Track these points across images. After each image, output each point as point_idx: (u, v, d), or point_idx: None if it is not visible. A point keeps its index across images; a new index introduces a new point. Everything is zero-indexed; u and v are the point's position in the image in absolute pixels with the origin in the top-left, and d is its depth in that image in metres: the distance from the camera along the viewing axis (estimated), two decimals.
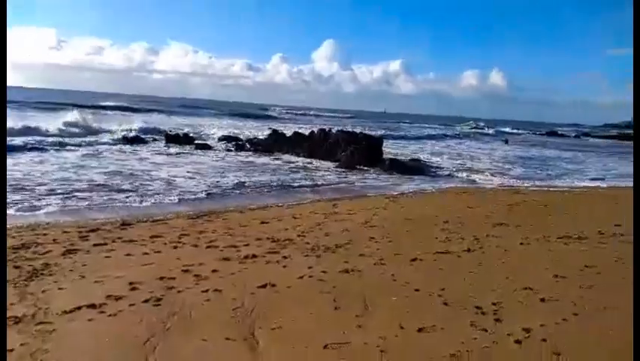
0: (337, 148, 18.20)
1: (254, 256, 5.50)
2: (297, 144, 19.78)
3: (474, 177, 16.54)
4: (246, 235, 6.81)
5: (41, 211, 8.18)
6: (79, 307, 3.74)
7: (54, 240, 6.35)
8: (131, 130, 22.30)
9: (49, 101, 44.17)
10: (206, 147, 19.88)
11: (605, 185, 16.16)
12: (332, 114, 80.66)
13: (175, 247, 6.08)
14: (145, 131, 22.87)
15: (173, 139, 20.96)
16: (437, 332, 3.47)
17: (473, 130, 58.41)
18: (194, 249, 5.99)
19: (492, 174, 17.44)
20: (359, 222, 7.86)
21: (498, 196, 11.85)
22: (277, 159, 17.97)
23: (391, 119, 77.63)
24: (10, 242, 6.06)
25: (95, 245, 6.16)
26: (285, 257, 5.47)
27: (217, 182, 12.11)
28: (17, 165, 12.22)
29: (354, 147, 17.54)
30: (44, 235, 6.72)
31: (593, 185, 16.07)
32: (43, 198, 8.94)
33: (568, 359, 3.09)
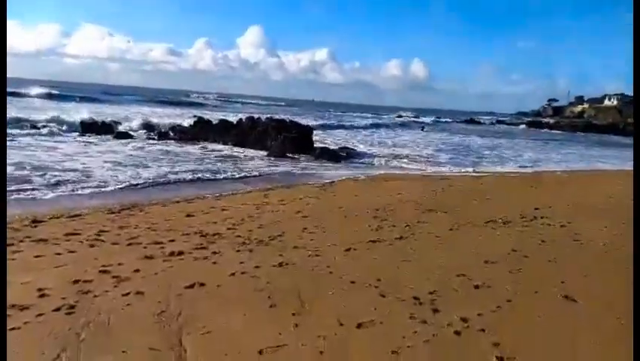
0: (267, 136, 17.86)
1: (180, 252, 5.14)
2: (224, 132, 19.17)
3: (402, 164, 16.93)
4: (171, 230, 6.40)
5: None
6: None
7: None
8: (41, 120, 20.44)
9: None
10: (126, 136, 18.75)
11: (522, 170, 17.20)
12: (259, 102, 79.59)
13: (92, 246, 5.56)
14: (59, 121, 21.06)
15: (89, 128, 19.55)
16: (377, 327, 3.37)
17: (399, 119, 60.22)
18: (113, 247, 5.50)
19: (419, 162, 17.96)
20: (291, 212, 7.68)
21: (426, 183, 12.17)
22: (203, 147, 17.30)
23: (320, 108, 78.01)
24: None
25: None
26: (214, 253, 5.16)
27: (138, 173, 11.38)
28: None
29: (285, 136, 17.30)
30: None
31: (511, 170, 17.03)
32: None
33: (507, 349, 3.11)
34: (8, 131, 16.24)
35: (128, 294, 3.84)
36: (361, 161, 17.10)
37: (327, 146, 19.01)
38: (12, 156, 12.09)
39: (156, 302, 3.70)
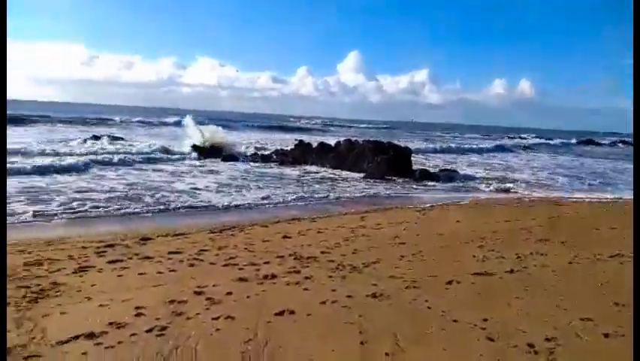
0: (364, 158, 17.68)
1: (273, 276, 5.05)
2: (323, 155, 19.34)
3: (510, 188, 15.73)
4: (267, 251, 6.40)
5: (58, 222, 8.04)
6: (76, 337, 3.35)
7: (69, 256, 6.08)
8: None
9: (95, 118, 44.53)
10: (231, 159, 19.73)
11: None
12: (358, 125, 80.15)
13: (192, 265, 5.70)
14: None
15: (199, 150, 20.90)
16: None
17: (505, 140, 56.94)
18: (211, 267, 5.59)
19: (529, 185, 16.59)
20: (388, 237, 7.34)
21: (538, 209, 11.11)
22: (302, 170, 17.58)
23: (419, 129, 76.55)
24: (24, 259, 5.84)
25: (109, 262, 5.85)
26: (307, 278, 5.01)
27: (241, 194, 11.80)
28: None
29: (382, 157, 16.99)
30: (61, 250, 6.49)
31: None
32: (59, 211, 8.79)
33: None
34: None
35: (218, 318, 3.79)
36: (464, 184, 16.18)
37: (426, 168, 18.34)
38: (128, 178, 13.23)
39: (245, 329, 3.59)
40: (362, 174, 16.49)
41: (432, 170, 18.16)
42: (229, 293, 4.42)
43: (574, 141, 61.46)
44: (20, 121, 31.72)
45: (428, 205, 11.32)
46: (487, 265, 5.70)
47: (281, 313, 3.89)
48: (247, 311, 3.96)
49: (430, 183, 15.59)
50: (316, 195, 12.40)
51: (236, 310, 3.97)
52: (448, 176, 17.32)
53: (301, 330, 3.62)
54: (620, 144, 64.43)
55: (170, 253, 6.38)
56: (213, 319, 3.77)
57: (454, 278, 4.96)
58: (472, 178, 17.67)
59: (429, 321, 3.82)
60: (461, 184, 16.08)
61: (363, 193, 13.44)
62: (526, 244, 6.91)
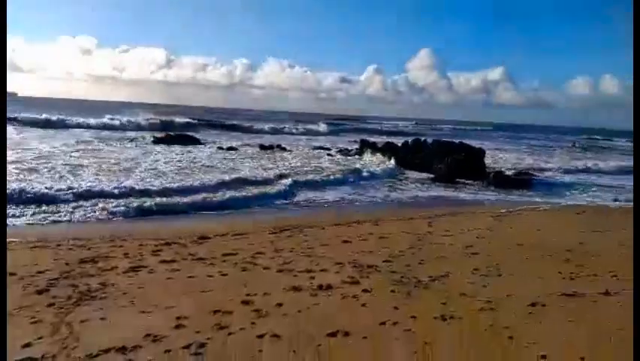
0: (433, 159, 16.80)
1: (329, 286, 4.59)
2: (390, 155, 18.66)
3: (595, 193, 14.26)
4: (325, 257, 5.97)
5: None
6: (107, 350, 3.07)
7: (125, 254, 5.99)
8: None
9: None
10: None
11: None
12: (425, 124, 77.96)
13: (244, 270, 5.38)
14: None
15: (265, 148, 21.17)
16: None
17: (587, 140, 52.95)
18: (264, 273, 5.23)
19: (616, 191, 14.98)
20: (459, 246, 6.64)
21: (629, 217, 9.82)
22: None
23: (494, 130, 73.11)
24: (81, 255, 5.80)
25: (162, 262, 5.68)
26: (365, 290, 4.49)
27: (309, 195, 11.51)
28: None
29: (452, 158, 16.04)
30: (120, 246, 6.44)
31: None
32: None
33: None
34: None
35: (263, 336, 3.37)
36: (544, 189, 14.88)
37: (501, 170, 17.12)
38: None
39: (291, 352, 3.14)
40: (431, 175, 15.69)
41: (508, 172, 16.93)
42: (279, 305, 4.01)
43: None
44: None
45: (503, 211, 10.38)
46: (577, 284, 4.89)
47: (334, 335, 3.40)
48: (296, 329, 3.52)
49: (505, 187, 14.48)
50: (380, 196, 11.85)
51: (284, 327, 3.54)
52: (525, 178, 16.06)
53: (355, 357, 3.11)
54: None
55: (224, 254, 6.11)
56: (258, 337, 3.36)
57: (538, 300, 4.23)
58: (552, 182, 16.29)
59: (509, 354, 3.17)
60: (541, 188, 14.82)
61: (431, 195, 12.69)
62: (622, 260, 5.95)
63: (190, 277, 4.99)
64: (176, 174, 12.96)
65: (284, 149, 21.77)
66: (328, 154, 20.85)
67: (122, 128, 30.28)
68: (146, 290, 4.46)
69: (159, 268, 5.40)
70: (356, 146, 23.37)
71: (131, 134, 26.60)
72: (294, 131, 40.95)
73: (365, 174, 15.07)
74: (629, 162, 24.14)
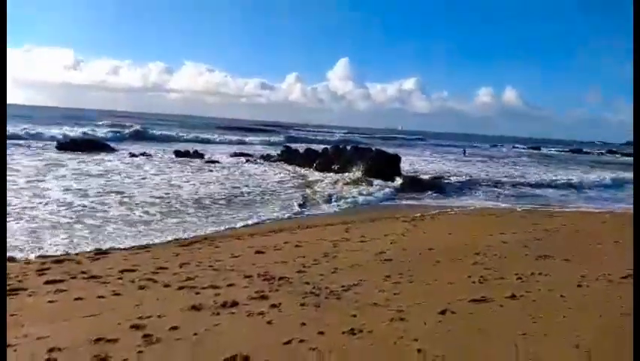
0: (351, 164, 16.98)
1: (234, 303, 4.22)
2: (310, 162, 18.62)
3: (503, 197, 15.10)
4: (234, 270, 5.61)
5: None
6: None
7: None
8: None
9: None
10: (214, 162, 19.05)
11: None
12: (346, 132, 79.54)
13: (141, 288, 4.87)
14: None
15: (181, 155, 20.23)
16: None
17: (492, 148, 56.75)
18: (163, 291, 4.76)
19: (523, 195, 15.97)
20: (373, 253, 6.56)
21: (533, 220, 10.40)
22: (290, 173, 16.83)
23: (407, 137, 76.11)
24: None
25: (47, 282, 5.01)
26: (274, 305, 4.18)
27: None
28: None
29: (369, 163, 16.29)
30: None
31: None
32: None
33: None
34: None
35: None
36: (455, 192, 15.52)
37: (416, 175, 17.67)
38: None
39: None
40: (349, 179, 15.77)
41: (422, 176, 17.49)
42: (174, 328, 3.58)
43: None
44: None
45: (417, 215, 10.58)
46: (485, 288, 4.92)
47: (232, 359, 3.06)
48: (189, 356, 3.13)
49: (419, 191, 14.92)
50: (296, 202, 11.65)
51: (176, 355, 3.14)
52: (437, 183, 16.65)
53: None
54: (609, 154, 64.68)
55: (122, 271, 5.57)
56: None
57: (448, 307, 4.16)
58: (462, 186, 17.02)
59: None
60: (451, 192, 15.42)
61: (349, 200, 12.69)
62: (526, 262, 6.17)
63: (77, 299, 4.40)
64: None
65: (201, 155, 20.96)
66: (248, 160, 20.38)
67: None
68: (19, 318, 3.83)
69: (42, 289, 4.76)
70: (278, 152, 23.16)
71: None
72: (216, 138, 39.69)
73: (285, 179, 14.84)
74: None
